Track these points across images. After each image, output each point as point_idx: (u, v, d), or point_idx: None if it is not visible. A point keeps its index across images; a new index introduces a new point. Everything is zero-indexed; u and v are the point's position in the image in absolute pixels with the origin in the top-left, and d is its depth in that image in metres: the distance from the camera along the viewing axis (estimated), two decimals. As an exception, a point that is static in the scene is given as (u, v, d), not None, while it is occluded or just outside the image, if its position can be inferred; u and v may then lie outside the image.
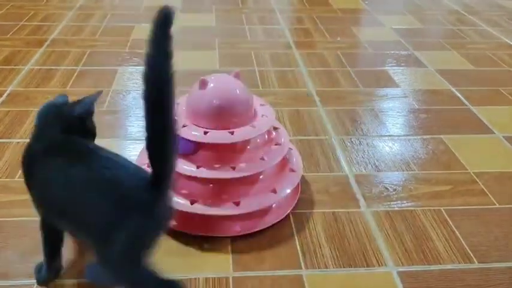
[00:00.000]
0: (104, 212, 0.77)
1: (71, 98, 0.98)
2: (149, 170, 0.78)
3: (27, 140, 0.93)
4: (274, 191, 1.13)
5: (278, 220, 1.15)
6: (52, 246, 0.95)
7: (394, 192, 1.29)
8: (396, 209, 1.23)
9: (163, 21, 0.69)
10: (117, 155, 0.86)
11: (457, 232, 1.15)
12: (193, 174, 1.07)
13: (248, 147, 1.13)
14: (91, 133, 0.96)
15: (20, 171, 1.29)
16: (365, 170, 1.38)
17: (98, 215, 0.78)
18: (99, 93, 0.96)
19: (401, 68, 2.07)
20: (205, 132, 1.08)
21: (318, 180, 1.32)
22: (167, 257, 1.04)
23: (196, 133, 1.08)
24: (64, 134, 0.89)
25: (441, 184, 1.33)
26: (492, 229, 1.17)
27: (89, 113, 0.95)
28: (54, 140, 0.89)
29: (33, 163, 0.88)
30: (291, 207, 1.19)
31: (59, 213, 0.86)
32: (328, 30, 2.46)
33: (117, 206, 0.77)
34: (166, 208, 0.81)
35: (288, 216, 1.18)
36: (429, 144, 1.51)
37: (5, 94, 1.70)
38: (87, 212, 0.80)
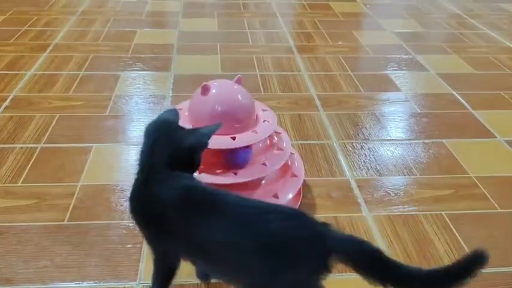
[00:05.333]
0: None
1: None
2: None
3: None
4: (276, 196, 1.13)
5: (280, 225, 1.15)
6: (165, 281, 0.91)
7: (395, 197, 1.29)
8: (398, 213, 1.23)
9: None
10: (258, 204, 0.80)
11: (458, 236, 1.16)
12: (195, 180, 1.08)
13: (250, 152, 1.13)
14: (194, 166, 0.88)
15: (24, 177, 1.30)
16: (367, 174, 1.38)
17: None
18: (218, 125, 0.88)
19: (402, 72, 2.07)
20: (207, 138, 1.08)
21: (319, 185, 1.32)
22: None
23: (198, 138, 1.08)
24: (182, 175, 0.84)
25: (443, 188, 1.33)
26: (494, 233, 1.17)
27: (202, 145, 0.86)
28: (179, 188, 0.82)
29: (159, 210, 0.82)
30: (293, 212, 1.20)
31: (212, 264, 0.83)
32: (330, 34, 2.47)
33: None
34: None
35: (289, 220, 1.18)
36: (431, 149, 1.51)
37: (8, 99, 1.71)
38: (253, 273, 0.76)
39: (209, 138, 0.87)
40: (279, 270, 0.73)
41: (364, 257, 0.72)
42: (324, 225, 0.75)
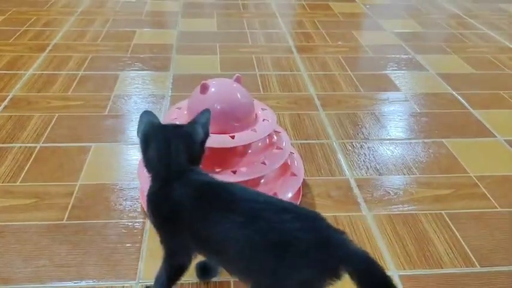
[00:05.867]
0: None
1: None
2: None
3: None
4: (276, 195, 1.13)
5: (279, 224, 1.15)
6: (170, 282, 0.91)
7: (395, 196, 1.29)
8: (397, 212, 1.23)
9: None
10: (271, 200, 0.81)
11: (458, 236, 1.15)
12: (194, 179, 1.07)
13: (249, 151, 1.13)
14: (201, 157, 0.89)
15: (22, 176, 1.30)
16: (366, 173, 1.38)
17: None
18: (208, 111, 0.89)
19: (402, 71, 2.07)
20: (207, 137, 1.08)
21: (319, 184, 1.32)
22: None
23: (197, 137, 1.08)
24: (197, 171, 0.86)
25: (442, 188, 1.33)
26: (494, 232, 1.17)
27: (208, 134, 0.88)
28: (199, 184, 0.83)
29: (181, 209, 0.82)
30: (292, 211, 1.19)
31: (222, 262, 0.85)
32: (329, 34, 2.47)
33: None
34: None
35: (289, 220, 1.17)
36: (430, 148, 1.51)
37: (7, 99, 1.71)
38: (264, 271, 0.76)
39: (209, 125, 0.89)
40: (287, 271, 0.73)
41: (372, 279, 0.72)
42: (339, 233, 0.74)
